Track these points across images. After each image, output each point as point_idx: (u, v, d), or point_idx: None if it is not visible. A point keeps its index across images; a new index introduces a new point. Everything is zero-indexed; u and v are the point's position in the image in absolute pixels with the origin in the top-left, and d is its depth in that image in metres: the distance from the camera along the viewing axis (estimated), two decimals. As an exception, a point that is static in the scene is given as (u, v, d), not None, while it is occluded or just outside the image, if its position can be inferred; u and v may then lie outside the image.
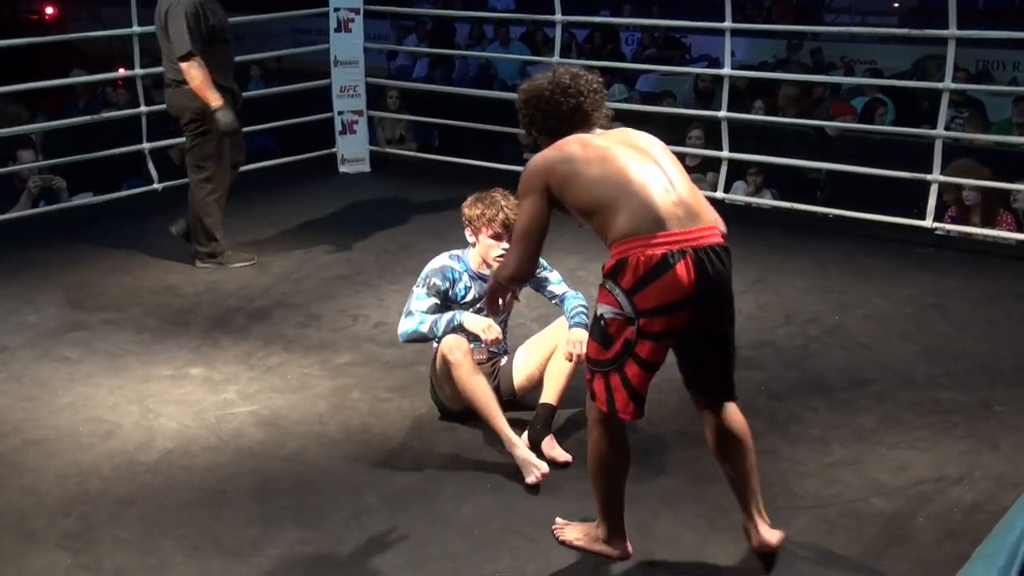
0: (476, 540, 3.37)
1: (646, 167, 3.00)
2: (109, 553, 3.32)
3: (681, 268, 2.87)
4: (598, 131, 3.16)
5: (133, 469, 3.83)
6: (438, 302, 3.99)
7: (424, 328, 3.93)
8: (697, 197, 3.03)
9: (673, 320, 2.93)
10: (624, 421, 3.09)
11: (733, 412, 3.21)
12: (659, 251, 2.87)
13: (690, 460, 3.85)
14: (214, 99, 5.55)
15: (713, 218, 3.03)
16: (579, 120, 3.14)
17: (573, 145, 3.05)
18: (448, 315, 3.92)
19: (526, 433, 3.90)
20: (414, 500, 3.61)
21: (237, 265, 5.98)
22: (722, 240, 3.01)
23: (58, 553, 3.32)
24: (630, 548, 3.25)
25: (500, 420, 3.81)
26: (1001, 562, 1.97)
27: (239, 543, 3.37)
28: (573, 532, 3.35)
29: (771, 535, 3.19)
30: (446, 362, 3.87)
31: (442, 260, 4.04)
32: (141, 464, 3.86)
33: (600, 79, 3.24)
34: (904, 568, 3.20)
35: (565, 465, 3.81)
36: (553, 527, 3.38)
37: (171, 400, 4.37)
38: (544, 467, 3.69)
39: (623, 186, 2.94)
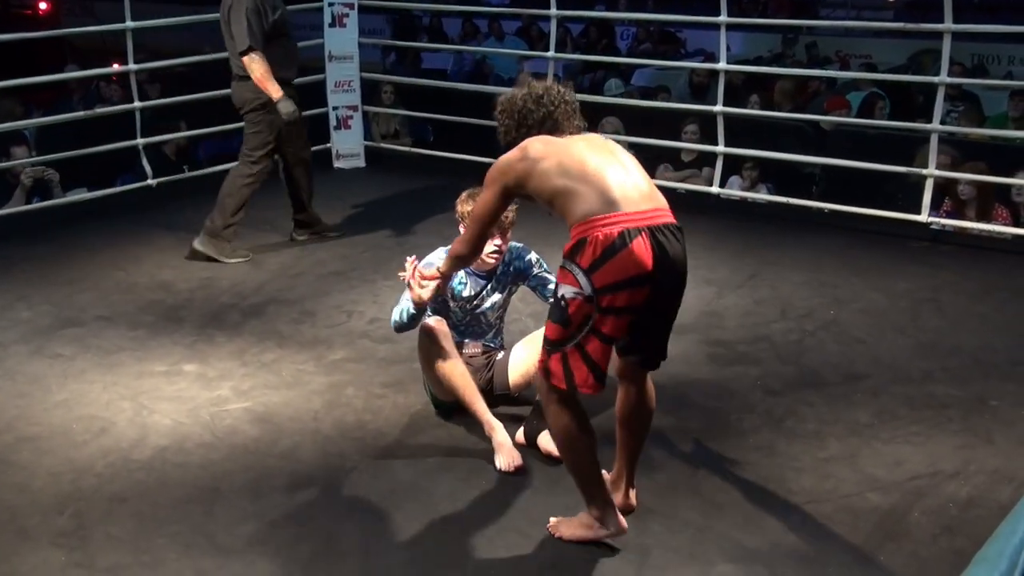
0: (472, 536, 3.36)
1: (603, 157, 3.15)
2: (103, 551, 3.31)
3: (638, 244, 2.99)
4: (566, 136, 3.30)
5: (127, 466, 3.82)
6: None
7: (396, 316, 3.95)
8: (651, 185, 3.18)
9: (635, 295, 3.04)
10: (583, 395, 3.17)
11: (650, 385, 3.40)
12: (616, 229, 2.99)
13: (684, 455, 3.85)
14: (275, 91, 5.79)
15: (666, 204, 3.17)
16: (549, 128, 3.30)
17: (535, 143, 3.21)
18: (405, 304, 3.91)
19: (522, 428, 3.90)
20: (409, 496, 3.61)
21: (233, 261, 5.98)
22: (675, 221, 3.14)
23: (51, 551, 3.31)
24: (624, 523, 3.26)
25: (479, 403, 3.86)
26: (1003, 567, 1.96)
27: (233, 540, 3.36)
28: (568, 527, 3.34)
29: (633, 500, 3.46)
30: (423, 345, 3.90)
31: (437, 255, 4.02)
32: (135, 461, 3.85)
33: (573, 92, 3.41)
34: (900, 563, 3.20)
35: (561, 460, 3.80)
36: (547, 527, 3.37)
37: (165, 397, 4.36)
38: (519, 458, 3.71)
39: (581, 173, 3.09)
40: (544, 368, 3.17)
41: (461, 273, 4.04)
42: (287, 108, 5.83)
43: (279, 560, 3.26)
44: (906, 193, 6.77)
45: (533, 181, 3.17)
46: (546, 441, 3.84)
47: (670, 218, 3.12)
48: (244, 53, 5.74)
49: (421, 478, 3.72)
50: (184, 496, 3.62)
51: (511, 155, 3.26)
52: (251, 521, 3.46)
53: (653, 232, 3.02)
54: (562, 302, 3.07)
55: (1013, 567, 1.96)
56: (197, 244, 6.03)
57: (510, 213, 3.91)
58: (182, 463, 3.84)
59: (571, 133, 3.32)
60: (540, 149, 3.18)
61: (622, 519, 3.27)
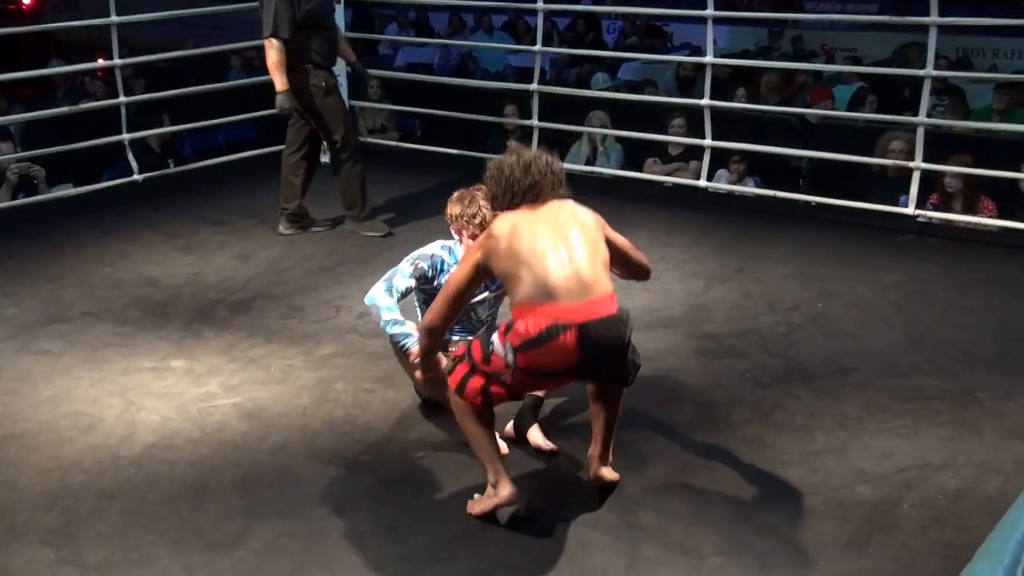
0: (461, 531, 3.36)
1: (551, 240, 3.26)
2: (91, 547, 3.30)
3: (564, 339, 3.16)
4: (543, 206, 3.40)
5: (115, 463, 3.80)
6: (414, 285, 3.95)
7: (386, 315, 3.87)
8: (596, 271, 3.28)
9: (553, 381, 3.44)
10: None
11: None
12: (545, 321, 3.17)
13: (674, 449, 3.86)
14: (279, 83, 5.94)
15: (609, 290, 3.29)
16: (531, 198, 3.39)
17: (502, 223, 3.34)
18: (405, 332, 3.86)
19: (512, 422, 3.89)
20: (398, 491, 3.60)
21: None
22: (614, 312, 3.25)
23: (40, 547, 3.30)
24: (511, 491, 3.34)
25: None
26: (1007, 560, 1.97)
27: (222, 536, 3.35)
28: (476, 504, 3.45)
29: (608, 473, 3.54)
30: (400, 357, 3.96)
31: (434, 248, 4.00)
32: (123, 458, 3.84)
33: (559, 162, 3.52)
34: (889, 555, 3.21)
35: (551, 454, 3.80)
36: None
37: (153, 393, 4.35)
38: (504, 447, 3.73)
39: (527, 257, 3.24)
40: (452, 363, 3.45)
41: (452, 270, 4.00)
42: (283, 102, 5.96)
43: (268, 556, 3.26)
44: (877, 184, 6.82)
45: (492, 260, 3.32)
46: (536, 435, 3.84)
47: (608, 308, 3.24)
48: (266, 39, 5.91)
49: (410, 473, 3.72)
50: (173, 492, 3.61)
51: (482, 234, 3.44)
52: (240, 517, 3.46)
53: (583, 328, 3.16)
54: (491, 346, 3.30)
55: (1016, 561, 1.96)
56: (281, 230, 6.38)
57: (487, 212, 3.89)
58: (170, 459, 3.83)
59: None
60: (502, 230, 3.30)
61: (510, 487, 3.35)
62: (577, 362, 3.19)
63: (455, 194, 3.96)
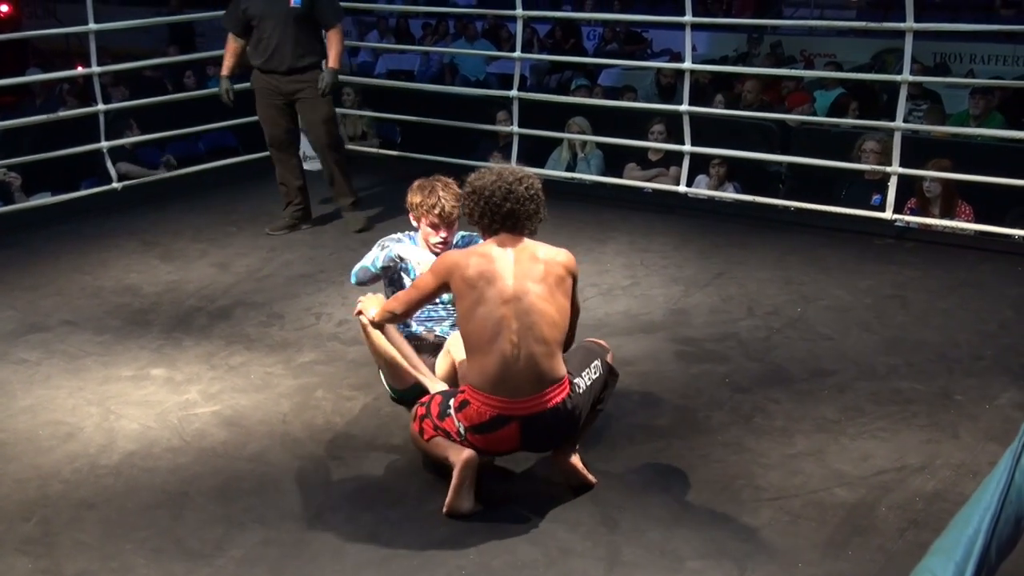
0: (441, 537, 3.36)
1: (508, 324, 3.36)
2: (70, 557, 3.28)
3: (512, 431, 3.40)
4: (516, 246, 3.49)
5: (94, 472, 3.79)
6: (389, 266, 4.18)
7: (368, 261, 4.18)
8: (550, 358, 3.39)
9: (500, 454, 3.58)
10: None
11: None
12: (491, 412, 3.39)
13: (653, 453, 3.87)
14: (222, 69, 6.46)
15: (560, 375, 3.41)
16: (510, 225, 3.50)
17: (476, 266, 3.43)
18: (361, 266, 4.20)
19: None
20: (379, 498, 3.60)
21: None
22: (563, 397, 3.41)
23: (18, 558, 3.28)
24: (468, 452, 3.45)
25: (421, 367, 3.97)
26: (958, 556, 2.00)
27: (202, 545, 3.34)
28: (449, 497, 3.47)
29: (576, 460, 3.58)
30: (366, 334, 4.04)
31: (396, 236, 4.27)
32: (102, 467, 3.82)
33: (539, 183, 3.58)
34: (867, 557, 3.23)
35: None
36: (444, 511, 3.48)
37: (132, 401, 4.33)
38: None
39: (484, 342, 3.38)
40: (416, 409, 3.67)
41: (416, 257, 4.16)
42: (221, 86, 6.43)
43: (249, 564, 3.25)
44: (852, 182, 6.87)
45: (459, 302, 3.47)
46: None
47: (556, 397, 3.39)
48: None
49: (391, 479, 3.72)
50: (152, 501, 3.60)
51: (460, 259, 3.48)
52: (220, 525, 3.45)
53: (526, 420, 3.38)
54: (448, 410, 3.50)
55: (968, 556, 1.99)
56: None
57: (455, 209, 4.05)
58: (150, 468, 3.81)
59: (529, 232, 3.54)
60: (473, 274, 3.41)
61: (467, 451, 3.44)
62: (520, 445, 3.47)
63: (416, 183, 4.17)
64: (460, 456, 3.43)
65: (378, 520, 3.46)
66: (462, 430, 3.46)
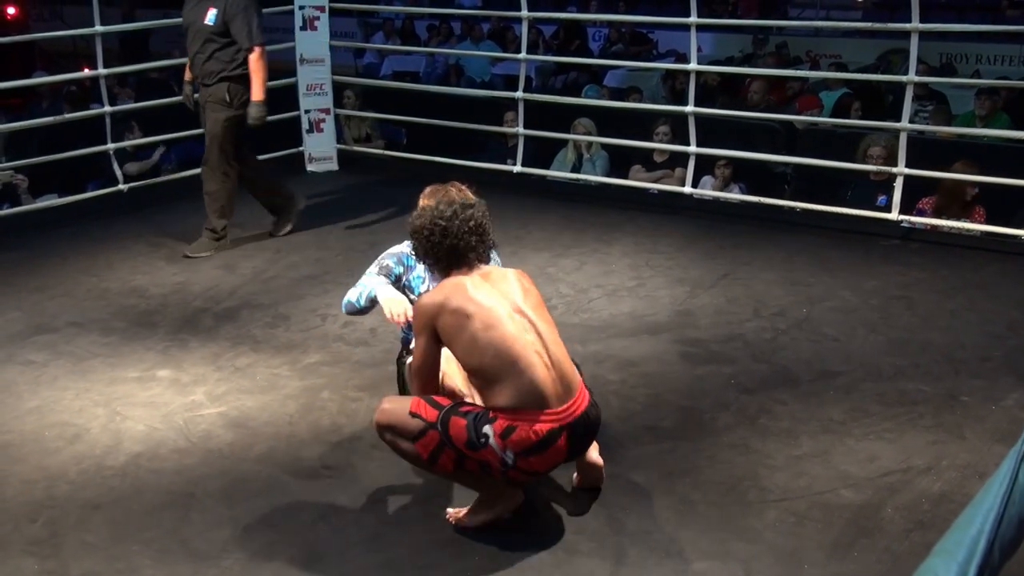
0: (446, 538, 3.36)
1: (526, 337, 3.22)
2: (76, 558, 3.29)
3: (562, 442, 3.21)
4: (477, 273, 3.36)
5: (100, 473, 3.79)
6: (387, 283, 3.91)
7: (353, 297, 3.88)
8: (564, 359, 3.29)
9: (543, 472, 3.33)
10: None
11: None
12: (544, 428, 3.18)
13: (659, 454, 3.86)
14: (261, 92, 6.11)
15: (580, 378, 3.34)
16: (455, 260, 3.38)
17: (458, 297, 3.24)
18: (369, 287, 3.85)
19: None
20: (383, 500, 3.60)
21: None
22: (589, 398, 3.32)
23: (24, 559, 3.29)
24: (517, 494, 3.39)
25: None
26: (960, 557, 1.99)
27: (208, 546, 3.35)
28: (470, 515, 3.42)
29: (595, 454, 3.54)
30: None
31: (401, 247, 4.00)
32: (109, 468, 3.83)
33: (481, 216, 3.43)
34: (873, 559, 3.23)
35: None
36: (448, 518, 3.44)
37: (139, 403, 4.34)
38: None
39: (511, 362, 3.18)
40: (405, 427, 3.29)
41: (420, 267, 3.96)
42: (262, 112, 6.10)
43: (254, 565, 3.25)
44: (856, 183, 6.86)
45: (459, 345, 3.23)
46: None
47: (586, 398, 3.30)
48: (259, 46, 6.06)
49: (396, 481, 3.72)
50: (158, 502, 3.60)
51: (436, 299, 3.26)
52: (226, 526, 3.45)
53: (573, 427, 3.21)
54: (482, 440, 3.19)
55: (971, 557, 1.99)
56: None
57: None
58: (156, 469, 3.82)
59: (480, 261, 3.40)
60: (464, 309, 3.20)
61: (516, 492, 3.38)
62: (566, 457, 3.29)
63: (428, 188, 3.97)
64: (515, 500, 3.39)
65: (383, 521, 3.47)
66: (510, 460, 3.19)
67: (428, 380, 3.39)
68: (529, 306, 3.31)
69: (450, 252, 3.37)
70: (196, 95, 6.23)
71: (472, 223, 3.38)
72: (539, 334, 3.26)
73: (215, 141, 6.14)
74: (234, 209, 6.30)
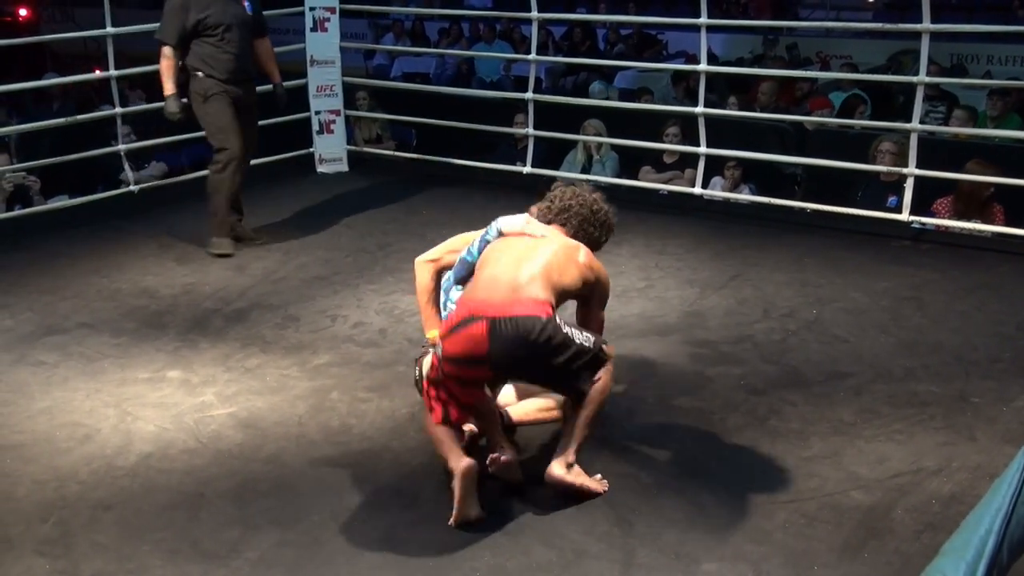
0: (456, 539, 3.36)
1: (507, 257, 3.59)
2: (87, 558, 3.30)
3: (476, 328, 3.39)
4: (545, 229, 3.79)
5: (111, 473, 3.81)
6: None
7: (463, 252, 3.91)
8: (533, 283, 3.49)
9: (471, 372, 3.47)
10: None
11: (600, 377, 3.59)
12: (468, 311, 3.45)
13: (669, 455, 3.86)
14: (166, 88, 6.00)
15: (537, 298, 3.47)
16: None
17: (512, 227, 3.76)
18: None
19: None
20: (394, 500, 3.61)
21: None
22: (531, 314, 3.40)
23: (35, 559, 3.30)
24: (467, 462, 3.43)
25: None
26: (969, 557, 2.00)
27: (218, 546, 3.35)
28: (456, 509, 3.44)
29: (561, 471, 3.53)
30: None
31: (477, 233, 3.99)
32: (119, 468, 3.84)
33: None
34: (883, 560, 3.22)
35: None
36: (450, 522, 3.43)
37: (149, 403, 4.35)
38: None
39: (483, 262, 3.65)
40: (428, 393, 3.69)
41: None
42: (169, 108, 6.04)
43: (264, 565, 3.26)
44: (867, 184, 6.84)
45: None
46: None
47: (527, 311, 3.41)
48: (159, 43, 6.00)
49: (406, 482, 3.72)
50: (169, 502, 3.61)
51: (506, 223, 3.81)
52: (236, 527, 3.46)
53: (494, 322, 3.38)
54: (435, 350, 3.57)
55: (979, 557, 1.99)
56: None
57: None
58: (166, 469, 3.83)
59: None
60: (505, 231, 3.75)
61: (466, 460, 3.43)
62: (487, 352, 3.37)
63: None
64: (460, 465, 3.40)
65: (393, 522, 3.47)
66: (439, 349, 3.49)
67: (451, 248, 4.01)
68: (538, 250, 3.61)
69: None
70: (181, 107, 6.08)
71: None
72: (526, 258, 3.56)
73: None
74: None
